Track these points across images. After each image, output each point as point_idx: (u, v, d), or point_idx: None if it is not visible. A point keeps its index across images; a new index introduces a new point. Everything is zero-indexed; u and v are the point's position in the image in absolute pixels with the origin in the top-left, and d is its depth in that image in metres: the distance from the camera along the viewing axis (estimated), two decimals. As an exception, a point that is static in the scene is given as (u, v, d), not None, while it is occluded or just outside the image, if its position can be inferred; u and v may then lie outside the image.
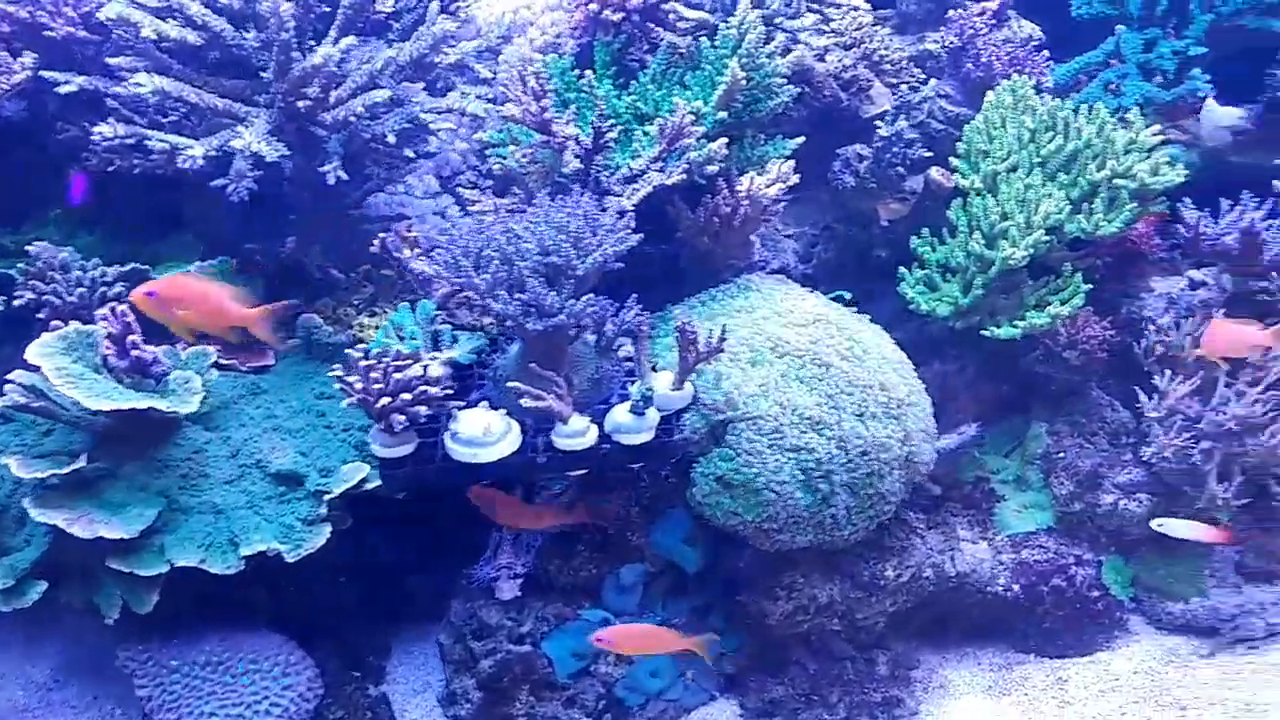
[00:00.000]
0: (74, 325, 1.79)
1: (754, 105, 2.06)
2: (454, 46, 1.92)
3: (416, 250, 1.81)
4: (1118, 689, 2.08)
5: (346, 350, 1.69)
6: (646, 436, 1.74)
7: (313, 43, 1.91)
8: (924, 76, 2.39)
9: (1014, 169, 2.11)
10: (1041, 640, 2.23)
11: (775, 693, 2.07)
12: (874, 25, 2.32)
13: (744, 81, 1.94)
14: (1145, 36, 2.28)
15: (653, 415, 1.74)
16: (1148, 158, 2.08)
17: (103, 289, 1.96)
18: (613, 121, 1.93)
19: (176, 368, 1.85)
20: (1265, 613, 2.23)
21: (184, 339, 1.84)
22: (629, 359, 1.92)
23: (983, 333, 2.10)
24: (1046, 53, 2.37)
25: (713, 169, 1.93)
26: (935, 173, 2.23)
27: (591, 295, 1.68)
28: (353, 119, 1.84)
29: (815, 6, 2.17)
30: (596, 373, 1.82)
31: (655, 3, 2.01)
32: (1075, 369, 2.28)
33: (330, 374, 1.67)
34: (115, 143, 1.83)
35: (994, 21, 2.34)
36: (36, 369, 1.70)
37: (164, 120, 1.95)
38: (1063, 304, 2.08)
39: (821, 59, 2.27)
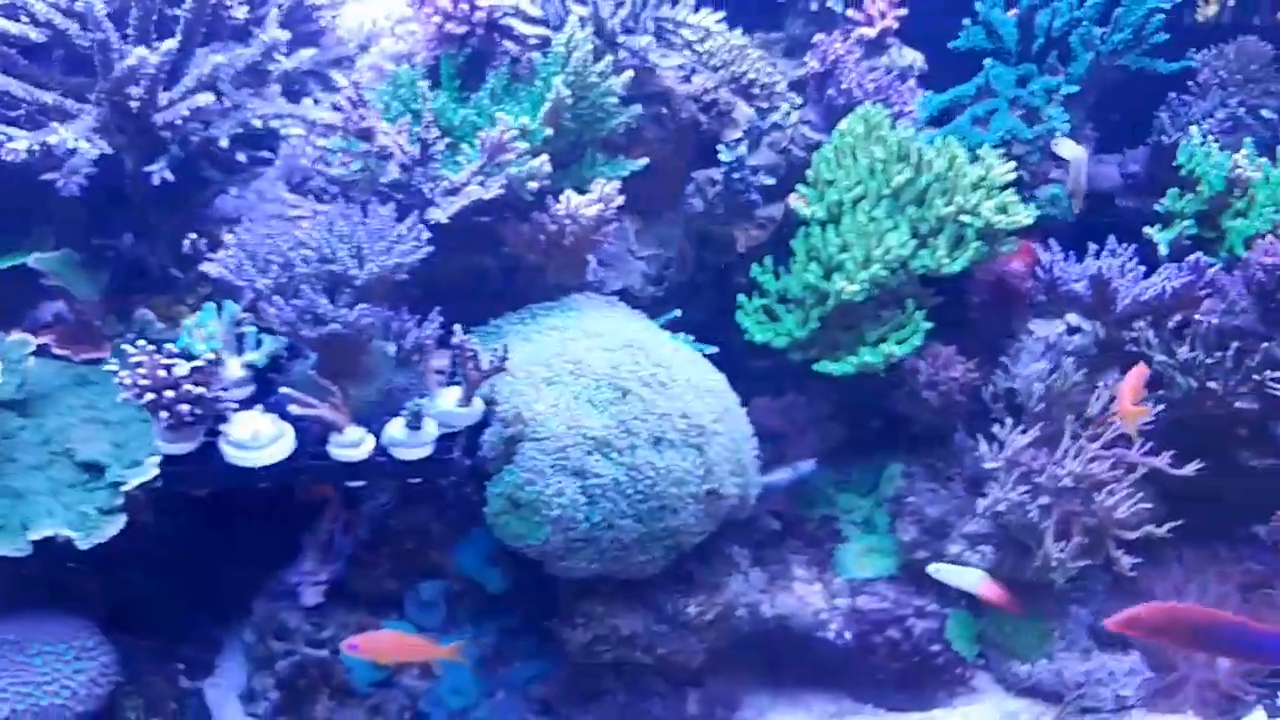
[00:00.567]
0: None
1: (595, 124, 2.05)
2: (289, 54, 1.95)
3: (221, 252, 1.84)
4: (947, 750, 2.01)
5: (121, 345, 1.72)
6: (423, 451, 1.74)
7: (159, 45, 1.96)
8: (800, 101, 2.35)
9: (860, 200, 2.06)
10: (877, 692, 2.16)
11: (584, 721, 2.05)
12: (746, 48, 2.29)
13: (569, 99, 1.93)
14: (1020, 72, 2.22)
15: (430, 430, 1.74)
16: (995, 196, 2.01)
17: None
18: (439, 134, 1.94)
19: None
20: (1115, 682, 2.12)
21: None
22: (442, 372, 1.92)
23: (814, 368, 2.05)
24: (913, 82, 2.32)
25: (534, 185, 1.92)
26: (794, 200, 2.19)
27: (366, 305, 1.68)
28: (179, 121, 1.88)
29: (668, 27, 2.14)
30: (388, 384, 1.82)
31: (497, 18, 2.02)
32: (935, 410, 2.21)
33: (106, 368, 1.70)
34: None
35: (858, 49, 2.30)
36: None
37: (11, 115, 2.00)
38: (899, 343, 2.01)
39: (688, 80, 2.25)
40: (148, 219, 2.08)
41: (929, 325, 2.04)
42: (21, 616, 1.95)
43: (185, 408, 1.63)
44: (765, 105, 2.27)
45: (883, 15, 2.38)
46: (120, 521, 1.85)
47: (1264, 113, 2.30)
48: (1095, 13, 2.27)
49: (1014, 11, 2.31)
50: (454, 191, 1.92)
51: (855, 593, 2.15)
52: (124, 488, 1.85)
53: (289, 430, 1.73)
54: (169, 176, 1.91)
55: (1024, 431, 2.04)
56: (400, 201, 1.94)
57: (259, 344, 1.89)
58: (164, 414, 1.64)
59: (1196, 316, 2.15)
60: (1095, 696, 2.11)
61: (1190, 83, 2.44)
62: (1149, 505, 2.14)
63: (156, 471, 1.85)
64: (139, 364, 1.63)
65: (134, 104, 1.85)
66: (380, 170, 1.93)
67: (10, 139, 1.85)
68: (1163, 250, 2.19)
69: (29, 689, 1.86)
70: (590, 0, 1.99)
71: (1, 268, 2.04)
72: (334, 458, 1.73)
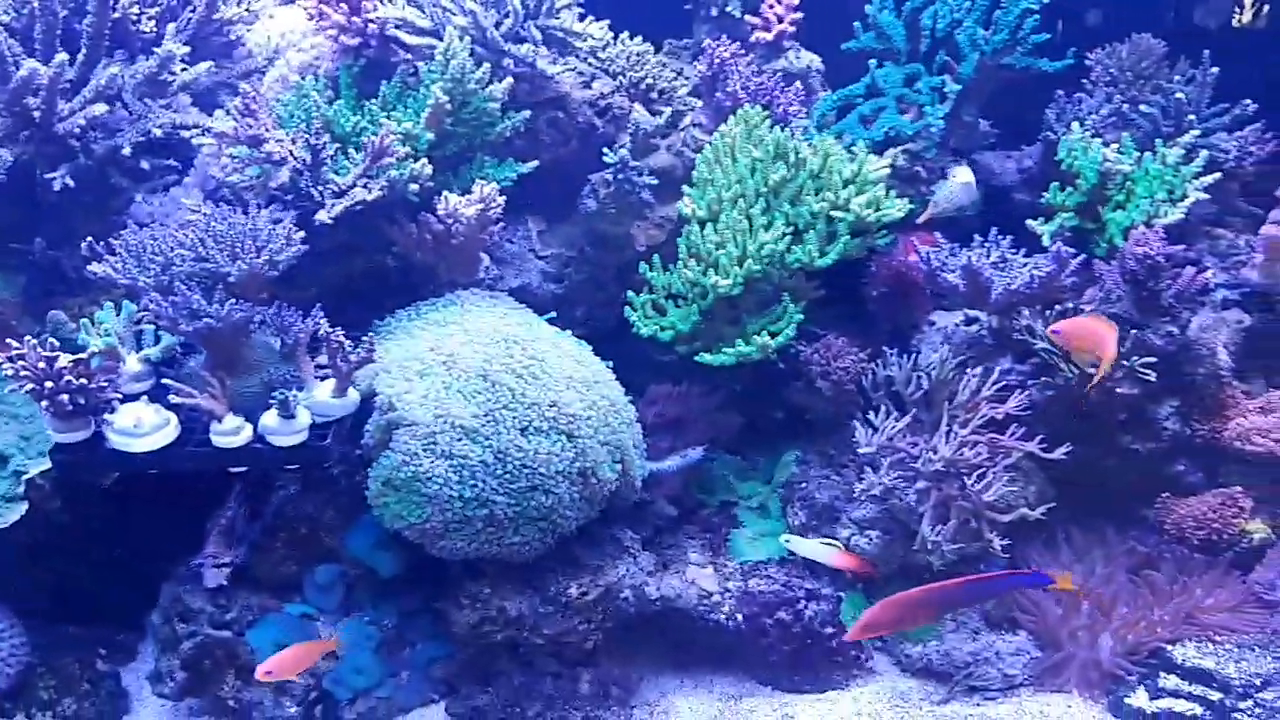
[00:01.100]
0: None
1: (483, 129, 2.13)
2: (185, 68, 2.05)
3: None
4: (836, 730, 2.05)
5: (6, 339, 1.83)
6: (297, 439, 1.83)
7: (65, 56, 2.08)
8: (699, 104, 2.42)
9: (739, 198, 2.13)
10: (772, 674, 2.21)
11: (479, 701, 2.11)
12: (646, 54, 2.36)
13: (448, 105, 2.02)
14: (907, 71, 2.27)
15: (302, 419, 1.83)
16: (867, 191, 2.07)
17: None
18: (329, 139, 2.03)
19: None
20: (1002, 662, 2.17)
21: None
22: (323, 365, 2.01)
23: (695, 359, 2.12)
24: (800, 84, 2.38)
25: (415, 188, 2.01)
26: (683, 200, 2.26)
27: (236, 301, 1.77)
28: (77, 130, 1.99)
29: (557, 35, 2.22)
30: (271, 377, 1.91)
31: (387, 31, 2.11)
32: (829, 399, 2.27)
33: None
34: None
35: (749, 53, 2.36)
36: None
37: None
38: (772, 335, 2.08)
39: (588, 86, 2.33)
40: (66, 224, 2.20)
41: (800, 317, 2.10)
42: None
43: (65, 398, 1.73)
44: (666, 109, 2.35)
45: (779, 20, 2.45)
46: (21, 508, 1.95)
47: (1143, 107, 2.33)
48: (979, 14, 2.33)
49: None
50: (340, 194, 2.01)
51: (747, 575, 2.20)
52: (25, 476, 1.96)
53: (173, 419, 1.83)
54: (70, 183, 2.01)
55: (899, 419, 2.09)
56: (292, 205, 2.04)
57: (158, 340, 1.99)
58: (45, 404, 1.74)
59: (1084, 305, 2.21)
60: (983, 676, 2.15)
61: (1084, 80, 2.49)
62: (1035, 488, 2.20)
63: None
64: (21, 357, 1.74)
65: (35, 114, 1.96)
66: (271, 176, 2.03)
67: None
68: (1046, 242, 2.24)
69: (-62, 668, 1.97)
70: (469, 11, 2.07)
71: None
72: (215, 445, 1.82)
